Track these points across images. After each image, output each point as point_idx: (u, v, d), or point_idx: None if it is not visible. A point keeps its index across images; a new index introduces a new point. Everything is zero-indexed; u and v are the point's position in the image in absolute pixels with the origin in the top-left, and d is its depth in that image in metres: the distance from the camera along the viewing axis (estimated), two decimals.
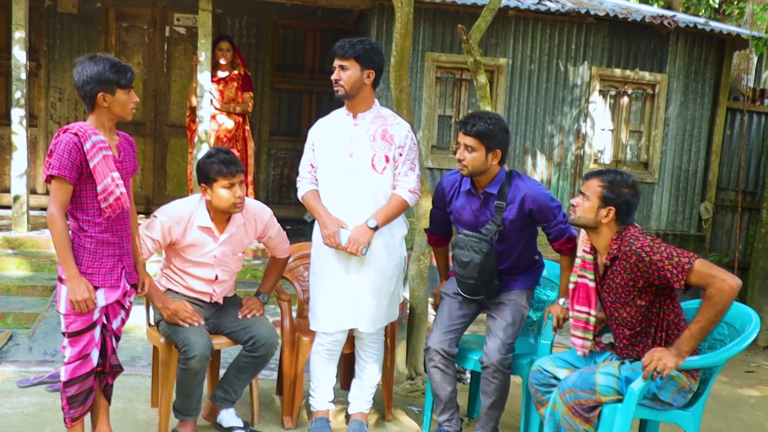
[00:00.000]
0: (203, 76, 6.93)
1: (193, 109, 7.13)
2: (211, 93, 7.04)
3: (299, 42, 9.24)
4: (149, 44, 8.87)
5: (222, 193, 3.61)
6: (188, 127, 7.35)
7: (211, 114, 7.09)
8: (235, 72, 7.26)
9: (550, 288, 4.19)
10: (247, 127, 7.37)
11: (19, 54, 6.77)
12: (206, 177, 3.64)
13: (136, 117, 8.69)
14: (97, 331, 3.31)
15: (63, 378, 3.30)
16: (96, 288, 3.24)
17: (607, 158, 8.03)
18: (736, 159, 8.42)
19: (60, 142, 3.13)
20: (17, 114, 6.81)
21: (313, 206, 3.80)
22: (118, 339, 3.49)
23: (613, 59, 7.85)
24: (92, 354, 3.31)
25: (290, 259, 4.38)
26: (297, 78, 9.22)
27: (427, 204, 4.94)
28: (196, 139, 7.02)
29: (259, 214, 3.90)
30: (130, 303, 3.50)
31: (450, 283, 3.94)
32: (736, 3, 13.80)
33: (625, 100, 7.96)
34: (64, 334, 3.29)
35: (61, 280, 3.23)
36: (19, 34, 6.76)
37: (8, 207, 7.56)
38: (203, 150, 6.73)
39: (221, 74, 7.18)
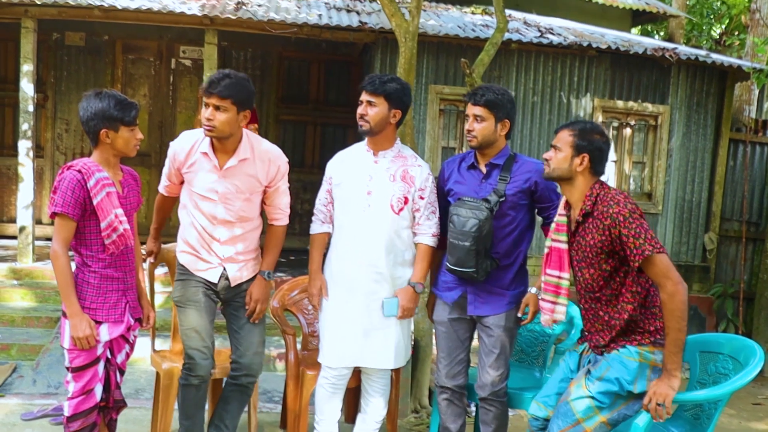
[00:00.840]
0: None
1: None
2: None
3: (304, 74, 9.33)
4: (155, 76, 8.97)
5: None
6: None
7: None
8: None
9: None
10: None
11: (27, 87, 6.85)
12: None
13: (141, 148, 8.78)
14: (100, 366, 3.31)
15: (66, 413, 3.29)
16: (100, 323, 3.25)
17: None
18: (739, 190, 8.43)
19: (64, 180, 3.16)
20: (24, 146, 6.88)
21: (312, 254, 3.83)
22: (122, 373, 3.48)
23: (616, 91, 7.91)
24: (96, 389, 3.31)
25: (294, 292, 4.39)
26: (301, 109, 9.30)
27: None
28: None
29: (274, 156, 3.67)
30: (135, 337, 3.50)
31: (440, 309, 3.86)
32: (736, 34, 13.91)
33: (628, 131, 8.00)
34: (67, 368, 3.29)
35: (65, 314, 3.24)
36: (27, 67, 6.85)
37: (14, 237, 7.59)
38: None
39: None
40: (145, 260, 3.81)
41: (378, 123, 3.64)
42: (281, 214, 3.81)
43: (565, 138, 3.24)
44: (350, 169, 3.77)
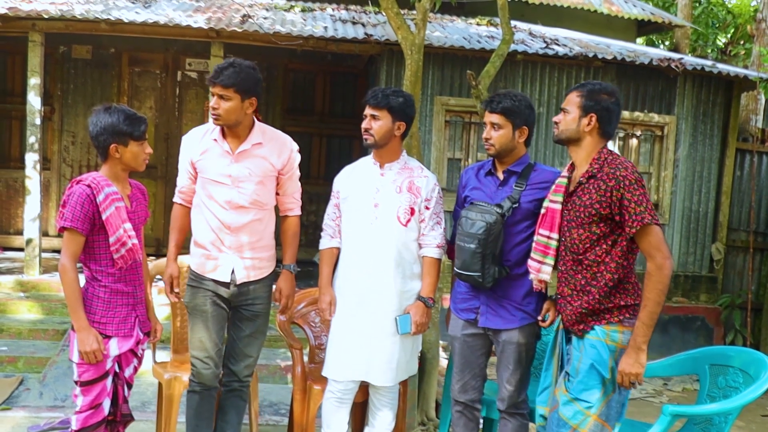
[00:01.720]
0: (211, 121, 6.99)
1: None
2: None
3: (309, 86, 9.35)
4: (161, 88, 9.00)
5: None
6: None
7: None
8: None
9: None
10: None
11: (34, 100, 6.88)
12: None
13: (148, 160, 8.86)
14: (109, 381, 3.31)
15: (74, 427, 3.29)
16: (109, 337, 3.26)
17: None
18: (746, 200, 8.41)
19: (73, 194, 3.17)
20: (31, 159, 6.90)
21: (322, 269, 3.82)
22: (130, 387, 3.49)
23: (621, 102, 7.88)
24: (104, 403, 3.31)
25: (301, 305, 4.38)
26: (307, 121, 9.31)
27: None
28: None
29: (287, 141, 3.75)
30: (143, 351, 3.51)
31: (454, 323, 3.84)
32: (742, 44, 13.90)
33: (634, 141, 7.99)
34: (76, 383, 3.29)
35: (74, 328, 3.25)
36: (34, 81, 6.88)
37: (20, 249, 7.61)
38: None
39: None
40: (171, 289, 3.74)
41: (382, 136, 3.65)
42: (295, 204, 3.85)
43: (573, 99, 3.21)
44: (357, 183, 3.77)
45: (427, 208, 3.73)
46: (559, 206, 3.25)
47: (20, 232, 8.24)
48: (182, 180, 3.72)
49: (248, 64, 3.56)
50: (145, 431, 4.57)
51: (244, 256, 3.66)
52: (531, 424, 3.74)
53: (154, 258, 3.86)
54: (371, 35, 7.34)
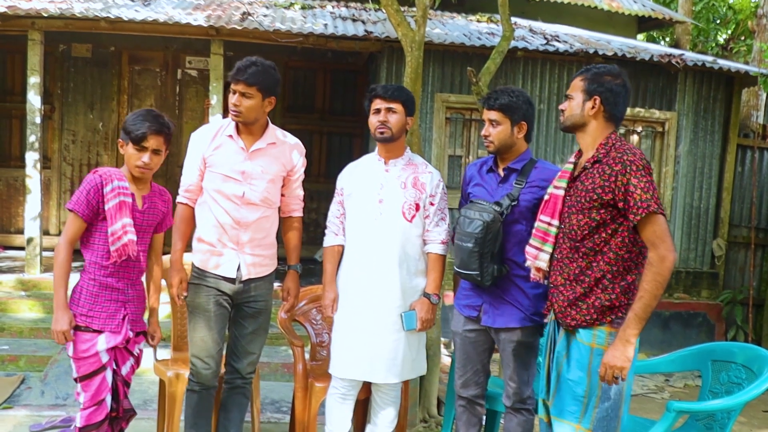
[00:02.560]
0: (215, 119, 6.99)
1: None
2: None
3: (310, 83, 9.34)
4: (161, 87, 8.99)
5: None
6: None
7: None
8: None
9: None
10: None
11: (34, 99, 6.87)
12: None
13: None
14: (108, 375, 3.31)
15: (78, 424, 3.29)
16: (97, 332, 3.28)
17: None
18: (747, 196, 8.40)
19: (84, 181, 3.28)
20: (31, 158, 6.90)
21: (326, 266, 3.82)
22: (127, 385, 3.48)
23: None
24: (106, 399, 3.31)
25: (302, 302, 4.37)
26: (307, 119, 9.30)
27: None
28: None
29: (297, 144, 3.83)
30: (140, 351, 3.50)
31: (457, 319, 3.84)
32: (743, 40, 13.89)
33: (635, 138, 7.98)
34: (75, 379, 3.30)
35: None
36: (34, 79, 6.87)
37: (21, 248, 7.60)
38: None
39: None
40: (178, 297, 3.71)
41: (399, 129, 3.67)
42: (299, 205, 3.93)
43: (577, 84, 3.12)
44: (361, 179, 3.77)
45: (431, 204, 3.72)
46: (562, 192, 3.15)
47: (21, 231, 8.24)
48: (191, 178, 3.69)
49: (270, 63, 3.60)
50: (147, 429, 4.57)
51: (250, 252, 3.68)
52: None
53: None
54: (371, 32, 7.33)
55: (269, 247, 3.78)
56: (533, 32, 8.50)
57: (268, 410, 5.21)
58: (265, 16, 7.80)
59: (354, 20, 8.12)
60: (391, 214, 3.67)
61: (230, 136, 3.62)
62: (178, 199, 3.72)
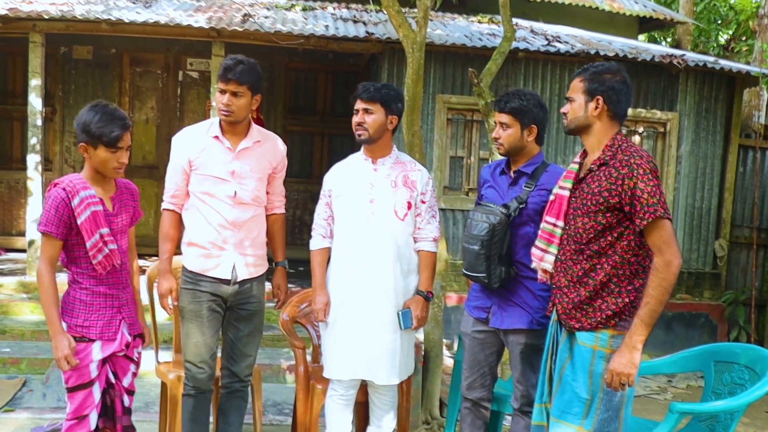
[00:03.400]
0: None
1: None
2: None
3: (311, 85, 9.34)
4: (163, 89, 8.99)
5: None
6: None
7: None
8: None
9: None
10: None
11: (35, 101, 6.87)
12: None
13: (149, 160, 8.88)
14: (95, 391, 3.20)
15: None
16: (92, 341, 3.18)
17: None
18: (749, 196, 8.38)
19: (49, 198, 3.10)
20: (33, 160, 6.90)
21: (314, 270, 3.79)
22: (132, 393, 3.41)
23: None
24: (90, 416, 3.20)
25: (304, 304, 4.37)
26: (309, 120, 9.30)
27: (440, 247, 4.94)
28: None
29: (279, 141, 3.86)
30: (139, 354, 3.43)
31: (466, 320, 3.83)
32: (744, 40, 13.87)
33: (637, 138, 7.97)
34: (66, 388, 3.23)
35: (49, 333, 3.15)
36: (35, 82, 6.87)
37: (23, 250, 7.60)
38: None
39: None
40: (164, 303, 3.68)
41: (377, 130, 3.65)
42: (282, 201, 3.95)
43: (576, 85, 3.08)
44: (350, 179, 3.75)
45: (423, 201, 3.72)
46: (567, 193, 3.11)
47: (22, 234, 8.24)
48: (176, 182, 3.65)
49: (253, 61, 3.61)
50: None
51: (245, 252, 3.67)
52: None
53: (155, 258, 3.81)
54: (372, 34, 7.32)
55: (261, 246, 3.78)
56: (534, 33, 8.49)
57: (269, 412, 5.20)
58: (266, 17, 7.79)
59: (355, 21, 8.12)
60: (383, 213, 3.65)
61: (216, 137, 3.60)
62: (164, 206, 3.65)
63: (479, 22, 9.16)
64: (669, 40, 15.20)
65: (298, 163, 9.33)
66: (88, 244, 3.11)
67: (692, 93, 7.98)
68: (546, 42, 7.88)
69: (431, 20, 8.53)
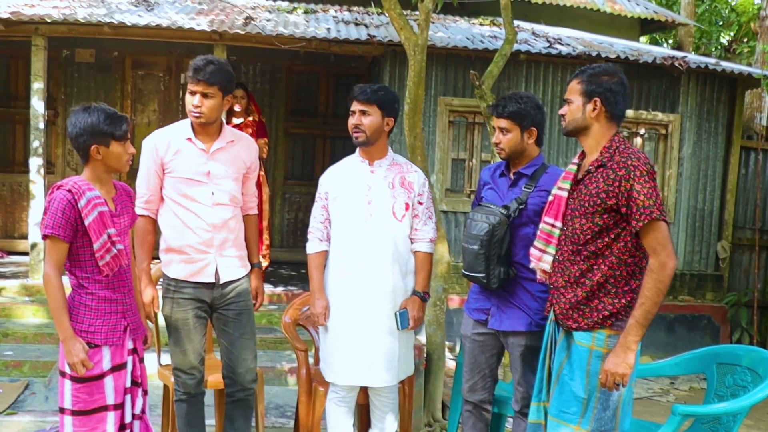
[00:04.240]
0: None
1: None
2: None
3: (312, 87, 9.35)
4: (165, 91, 9.01)
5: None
6: None
7: None
8: (250, 118, 7.35)
9: None
10: (262, 173, 7.40)
11: (38, 104, 6.88)
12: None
13: None
14: (110, 420, 3.18)
15: None
16: (99, 347, 3.15)
17: None
18: (751, 198, 8.38)
19: (54, 200, 3.05)
20: (35, 163, 6.91)
21: (312, 274, 3.78)
22: (145, 393, 3.41)
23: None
24: None
25: (306, 307, 4.37)
26: (310, 123, 9.32)
27: (442, 249, 4.94)
28: None
29: (251, 141, 3.84)
30: (142, 365, 3.41)
31: (466, 323, 3.83)
32: (746, 42, 13.87)
33: (638, 140, 7.96)
34: (62, 410, 3.19)
35: (63, 374, 3.15)
36: (37, 85, 6.88)
37: (25, 253, 7.61)
38: None
39: (236, 121, 7.25)
40: (149, 313, 3.66)
41: (374, 132, 3.64)
42: (254, 202, 3.93)
43: (574, 87, 3.09)
44: (347, 182, 3.74)
45: (420, 203, 3.73)
46: (565, 194, 3.14)
47: (25, 237, 8.25)
48: (149, 187, 3.59)
49: (225, 61, 3.60)
50: None
51: (226, 254, 3.65)
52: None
53: (157, 260, 3.80)
54: (374, 36, 7.33)
55: (242, 246, 3.77)
56: (536, 35, 8.50)
57: (272, 415, 5.20)
58: (267, 20, 7.80)
59: (357, 24, 8.13)
60: (381, 215, 3.66)
61: (189, 138, 3.57)
62: (137, 212, 3.56)
63: (481, 24, 9.16)
64: (670, 41, 15.21)
65: (299, 165, 9.35)
66: (96, 245, 3.08)
67: (694, 95, 7.98)
68: (547, 44, 7.88)
69: (433, 23, 8.53)
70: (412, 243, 3.76)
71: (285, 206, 9.33)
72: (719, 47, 14.88)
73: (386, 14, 5.29)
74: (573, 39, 8.52)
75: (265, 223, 7.38)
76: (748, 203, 8.40)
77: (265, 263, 7.35)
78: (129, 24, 6.89)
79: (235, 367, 3.74)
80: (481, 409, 3.76)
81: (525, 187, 3.55)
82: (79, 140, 3.10)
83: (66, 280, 3.13)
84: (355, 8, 9.31)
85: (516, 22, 7.17)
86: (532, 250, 3.30)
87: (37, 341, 6.13)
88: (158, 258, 3.74)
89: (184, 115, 3.60)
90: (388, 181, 3.70)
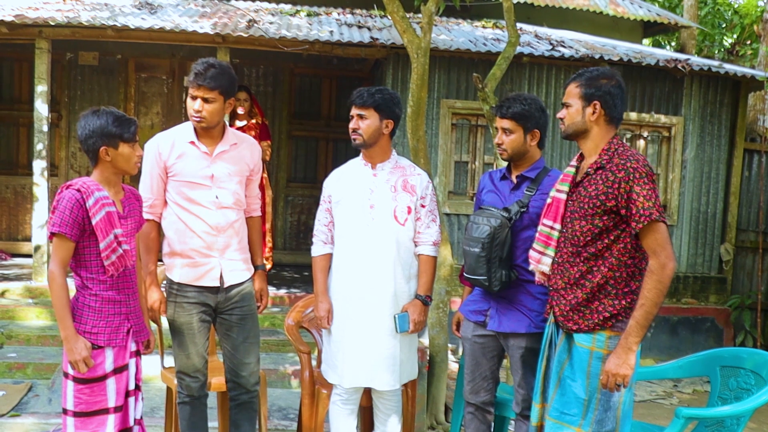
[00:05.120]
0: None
1: None
2: None
3: (315, 90, 9.36)
4: (168, 94, 9.02)
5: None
6: None
7: None
8: (253, 121, 7.36)
9: None
10: (265, 175, 7.43)
11: (42, 107, 6.90)
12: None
13: None
14: (109, 422, 3.18)
15: None
16: (102, 348, 3.15)
17: None
18: (755, 200, 8.37)
19: (62, 199, 3.08)
20: (39, 165, 6.92)
21: (316, 276, 3.78)
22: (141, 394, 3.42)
23: (628, 103, 7.85)
24: None
25: (309, 309, 4.37)
26: (313, 125, 9.33)
27: (445, 252, 4.95)
28: None
29: (255, 143, 3.83)
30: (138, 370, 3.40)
31: (465, 325, 3.83)
32: (749, 44, 13.86)
33: (641, 143, 7.96)
34: (65, 411, 3.19)
35: (66, 375, 3.14)
36: (41, 88, 6.89)
37: (29, 256, 7.63)
38: None
39: (239, 123, 7.27)
40: (154, 316, 3.67)
41: (371, 135, 3.63)
42: (257, 204, 3.93)
43: (572, 91, 3.10)
44: (349, 185, 3.75)
45: (422, 206, 3.72)
46: (564, 196, 3.14)
47: (28, 239, 8.27)
48: (153, 191, 3.59)
49: (226, 64, 3.57)
50: None
51: (230, 257, 3.65)
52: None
53: (161, 263, 3.82)
54: (377, 39, 7.34)
55: (245, 250, 3.77)
56: (539, 38, 8.50)
57: (275, 417, 5.20)
58: (270, 23, 7.81)
59: (360, 27, 8.13)
60: (383, 218, 3.66)
61: (192, 142, 3.56)
62: (144, 215, 3.54)
63: (483, 27, 9.17)
64: (673, 44, 15.20)
65: (302, 168, 9.36)
66: (103, 245, 3.10)
67: (697, 97, 7.97)
68: (550, 47, 7.88)
69: (436, 25, 8.54)
70: (415, 246, 3.76)
71: (288, 209, 9.34)
72: (722, 50, 14.86)
73: (389, 17, 5.29)
74: (576, 41, 8.53)
75: (267, 226, 7.39)
76: (751, 206, 8.39)
77: (267, 266, 7.35)
78: (132, 27, 6.91)
79: (238, 371, 3.74)
80: (484, 411, 3.75)
81: (527, 190, 3.55)
82: (89, 142, 3.13)
83: (70, 283, 3.14)
84: (357, 11, 9.33)
85: (519, 25, 7.19)
86: (531, 252, 3.30)
87: (41, 343, 6.13)
88: (162, 261, 3.75)
89: (187, 118, 3.60)
90: (391, 185, 3.70)
